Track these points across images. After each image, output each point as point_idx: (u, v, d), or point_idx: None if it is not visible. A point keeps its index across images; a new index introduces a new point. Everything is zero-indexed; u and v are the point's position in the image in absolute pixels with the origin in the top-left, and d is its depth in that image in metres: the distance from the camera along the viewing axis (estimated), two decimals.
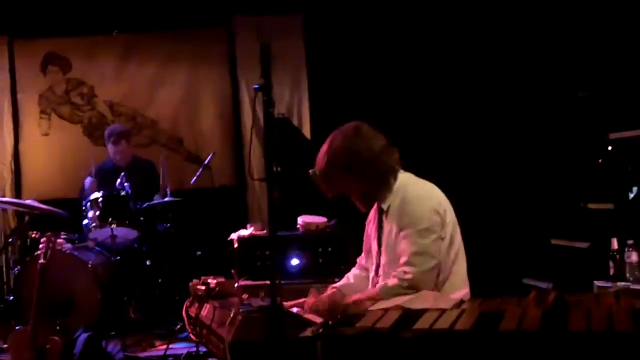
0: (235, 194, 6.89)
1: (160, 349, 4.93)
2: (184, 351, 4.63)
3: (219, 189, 6.48)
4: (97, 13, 6.69)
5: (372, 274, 3.14)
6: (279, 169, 2.75)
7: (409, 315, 2.29)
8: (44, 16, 6.69)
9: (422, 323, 2.19)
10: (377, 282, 3.06)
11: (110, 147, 6.08)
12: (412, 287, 2.82)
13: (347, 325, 2.27)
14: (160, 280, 5.68)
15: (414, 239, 2.90)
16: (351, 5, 6.55)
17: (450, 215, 3.02)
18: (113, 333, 5.19)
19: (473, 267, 3.11)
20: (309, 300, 3.10)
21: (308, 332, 2.31)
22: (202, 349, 4.27)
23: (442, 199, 3.05)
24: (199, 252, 5.92)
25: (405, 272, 2.88)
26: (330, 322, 2.34)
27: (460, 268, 3.03)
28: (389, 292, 2.84)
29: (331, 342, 2.22)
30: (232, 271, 3.03)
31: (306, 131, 6.76)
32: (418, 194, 3.00)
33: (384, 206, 3.04)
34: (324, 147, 3.04)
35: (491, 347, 2.03)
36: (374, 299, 2.79)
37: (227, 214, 6.53)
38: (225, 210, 6.59)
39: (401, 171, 3.08)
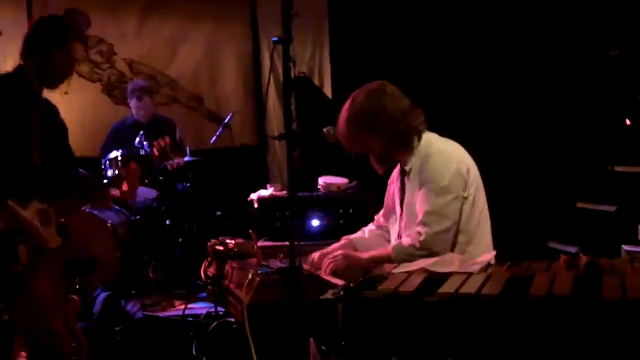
0: (256, 153, 6.84)
1: (179, 308, 4.89)
2: (204, 311, 4.60)
3: (239, 149, 6.41)
4: None
5: (394, 235, 3.06)
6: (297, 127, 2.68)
7: (434, 279, 2.22)
8: None
9: (448, 287, 2.11)
10: None
11: (133, 103, 6.01)
12: (424, 248, 2.75)
13: (369, 288, 2.20)
14: (180, 240, 5.65)
15: (430, 197, 2.82)
16: None
17: (474, 175, 2.92)
18: (133, 292, 5.18)
19: (497, 230, 3.02)
20: (315, 255, 3.03)
21: (329, 295, 2.24)
22: (222, 309, 4.26)
23: (466, 158, 2.95)
24: (218, 212, 5.88)
25: (418, 233, 2.80)
26: (351, 285, 2.27)
27: (484, 230, 2.94)
28: (401, 252, 2.79)
29: (353, 304, 2.16)
30: (250, 232, 2.96)
31: (327, 90, 6.66)
32: (440, 151, 2.91)
33: (407, 167, 2.96)
34: (346, 105, 2.96)
35: (521, 313, 1.95)
36: (387, 259, 2.75)
37: (248, 174, 6.48)
38: (246, 170, 6.54)
39: (426, 131, 2.97)
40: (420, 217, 2.82)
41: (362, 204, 4.64)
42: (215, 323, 4.28)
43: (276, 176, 6.63)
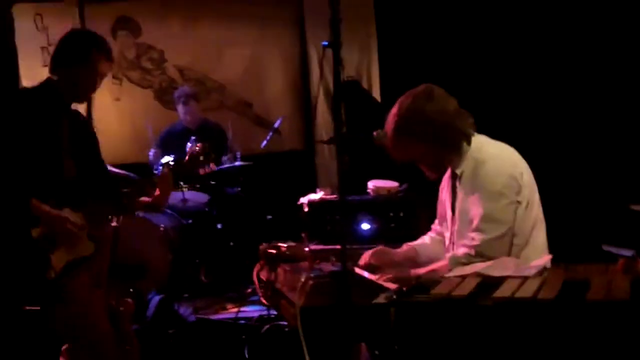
0: (304, 158, 6.86)
1: (231, 311, 4.95)
2: (256, 314, 4.64)
3: (287, 153, 6.45)
4: None
5: (447, 242, 3.03)
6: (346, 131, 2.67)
7: (488, 283, 2.20)
8: None
9: (503, 291, 2.10)
10: (450, 250, 2.95)
11: (180, 108, 6.10)
12: (480, 254, 2.69)
13: (422, 292, 2.19)
14: (231, 244, 5.69)
15: (484, 202, 2.75)
16: None
17: (528, 179, 2.86)
18: (185, 296, 5.24)
19: (551, 233, 2.96)
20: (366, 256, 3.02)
21: (381, 299, 2.25)
22: (274, 312, 4.28)
23: (519, 161, 2.90)
24: (269, 216, 5.91)
25: (473, 239, 2.74)
26: (404, 288, 2.27)
27: (539, 233, 2.88)
28: (458, 262, 2.72)
29: (406, 308, 2.16)
30: (303, 235, 2.97)
31: (376, 94, 6.65)
32: (492, 155, 2.84)
33: (458, 171, 2.90)
34: (394, 110, 2.91)
35: (578, 317, 1.92)
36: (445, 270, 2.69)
37: (296, 178, 6.51)
38: (294, 174, 6.57)
39: (475, 134, 2.94)
40: (474, 223, 2.76)
41: (412, 207, 4.61)
42: (267, 326, 4.31)
43: (324, 180, 6.63)
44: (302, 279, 2.64)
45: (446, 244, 3.03)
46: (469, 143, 2.89)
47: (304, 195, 5.20)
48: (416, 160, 2.97)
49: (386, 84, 6.66)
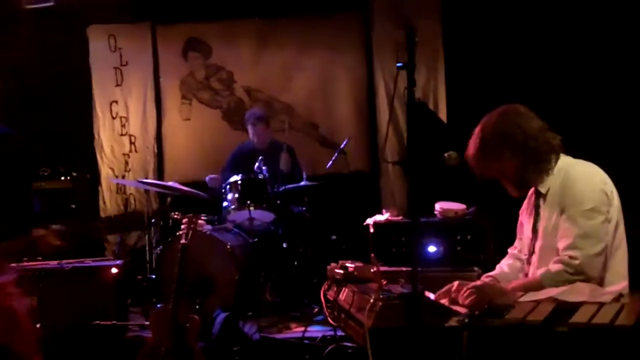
0: (369, 179, 6.86)
1: (295, 331, 4.96)
2: (320, 335, 4.62)
3: (352, 174, 6.46)
4: None
5: (525, 264, 2.98)
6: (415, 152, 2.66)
7: (563, 309, 2.16)
8: (185, 1, 6.90)
9: (579, 317, 2.06)
10: (529, 271, 2.91)
11: (249, 129, 6.18)
12: (578, 272, 2.65)
13: (496, 317, 2.17)
14: (295, 263, 5.72)
15: (579, 220, 2.71)
16: None
17: (616, 198, 2.82)
18: (249, 314, 5.27)
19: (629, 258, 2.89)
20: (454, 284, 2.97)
21: (454, 322, 2.23)
22: (339, 333, 4.27)
23: (607, 179, 2.86)
24: (333, 237, 5.92)
25: (570, 257, 2.69)
26: (476, 313, 2.24)
27: (622, 256, 2.82)
28: (552, 279, 2.68)
29: (478, 333, 2.14)
30: (372, 256, 2.96)
31: (442, 115, 6.62)
32: (583, 173, 2.82)
33: (543, 189, 2.88)
34: (478, 129, 2.91)
35: None
36: (535, 288, 2.65)
37: (361, 199, 6.53)
38: (359, 195, 6.59)
39: (561, 154, 2.90)
40: (568, 241, 2.72)
41: (481, 230, 4.56)
42: (331, 347, 4.29)
43: (389, 202, 6.62)
44: (371, 300, 2.63)
45: (526, 266, 2.98)
46: (556, 161, 2.87)
47: (368, 216, 5.19)
48: (501, 178, 2.96)
49: (453, 106, 6.62)
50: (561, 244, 2.74)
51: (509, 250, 3.21)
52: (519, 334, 2.07)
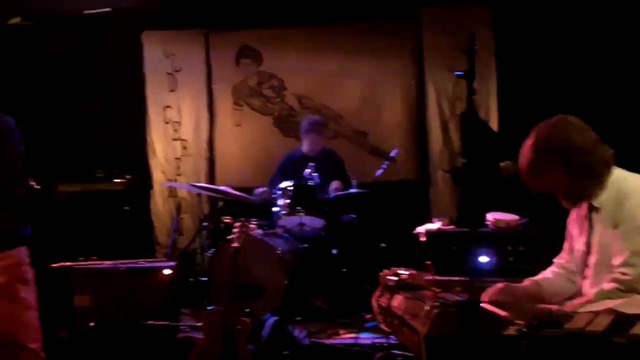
0: (417, 188, 6.86)
1: (344, 337, 4.98)
2: (369, 342, 4.65)
3: (401, 183, 6.47)
4: (288, 5, 6.90)
5: (577, 277, 2.97)
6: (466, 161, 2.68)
7: (622, 320, 2.16)
8: (237, 9, 6.99)
9: (639, 329, 2.05)
10: (583, 286, 2.89)
11: (305, 137, 6.23)
12: (631, 289, 2.63)
13: (554, 327, 2.17)
14: (344, 270, 5.75)
15: (633, 236, 2.69)
16: None
17: None
18: (298, 319, 5.32)
19: None
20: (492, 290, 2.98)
21: (512, 331, 2.24)
22: (389, 340, 4.30)
23: None
24: (382, 244, 5.94)
25: (623, 274, 2.67)
26: (534, 322, 2.25)
27: None
28: (606, 298, 2.64)
29: (537, 342, 2.14)
30: (428, 263, 2.98)
31: (493, 124, 6.59)
32: (636, 186, 2.79)
33: (596, 203, 2.85)
34: (530, 141, 2.90)
35: None
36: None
37: (409, 208, 6.53)
38: (407, 203, 6.59)
39: (614, 167, 2.89)
40: (622, 258, 2.70)
41: (533, 241, 4.53)
42: (380, 354, 4.31)
43: (438, 210, 6.61)
44: (427, 307, 2.66)
45: (578, 279, 2.97)
46: (609, 174, 2.84)
47: (416, 224, 5.20)
48: (554, 190, 2.94)
49: (504, 115, 6.60)
50: (615, 261, 2.72)
51: (555, 260, 3.19)
52: (578, 344, 2.08)
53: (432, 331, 2.57)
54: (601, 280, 2.76)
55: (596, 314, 2.24)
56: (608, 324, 2.12)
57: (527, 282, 3.11)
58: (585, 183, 2.85)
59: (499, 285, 2.97)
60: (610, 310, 2.26)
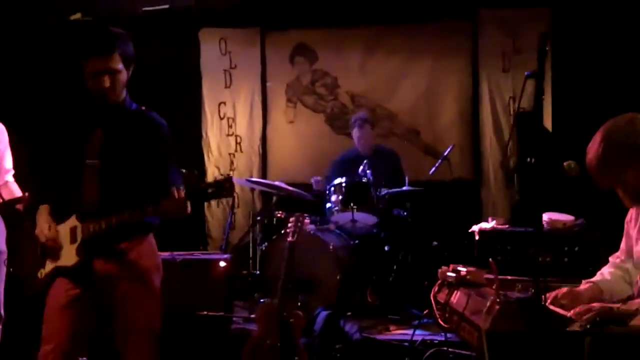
0: (471, 188, 6.86)
1: (394, 333, 5.04)
2: (420, 338, 4.68)
3: (455, 182, 6.48)
4: (344, 5, 6.94)
5: (636, 278, 2.96)
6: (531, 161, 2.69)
7: None
8: (293, 8, 7.06)
9: None
10: None
11: (355, 132, 6.29)
12: None
13: (619, 324, 2.19)
14: (395, 267, 5.78)
15: None
16: None
17: None
18: (349, 314, 5.38)
19: None
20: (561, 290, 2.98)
21: (576, 327, 2.26)
22: (439, 337, 4.33)
23: None
24: (435, 242, 5.96)
25: None
26: (598, 319, 2.27)
27: None
28: None
29: (601, 339, 2.16)
30: (491, 261, 3.00)
31: (547, 125, 6.55)
32: None
33: None
34: (600, 137, 2.87)
35: None
36: None
37: (462, 207, 6.54)
38: (460, 203, 6.60)
39: None
40: None
41: (589, 242, 4.51)
42: (431, 350, 4.34)
43: (490, 210, 6.61)
44: (488, 303, 2.68)
45: (635, 280, 2.97)
46: None
47: (469, 223, 5.21)
48: (619, 188, 2.90)
49: (558, 115, 6.55)
50: None
51: (611, 259, 3.17)
52: None
53: (494, 327, 2.59)
54: None
55: None
56: None
57: (585, 285, 3.09)
58: None
59: (562, 289, 2.97)
60: None
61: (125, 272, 3.22)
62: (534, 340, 2.38)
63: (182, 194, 3.07)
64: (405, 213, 5.98)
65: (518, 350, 2.51)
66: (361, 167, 5.81)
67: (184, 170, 3.52)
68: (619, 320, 2.22)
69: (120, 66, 3.21)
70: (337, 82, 7.22)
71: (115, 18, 7.09)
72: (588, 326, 2.22)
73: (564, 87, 6.52)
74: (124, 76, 3.25)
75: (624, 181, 2.86)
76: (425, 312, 4.90)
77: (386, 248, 5.81)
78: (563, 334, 2.26)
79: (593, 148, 2.88)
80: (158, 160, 3.24)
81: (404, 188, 5.86)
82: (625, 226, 3.11)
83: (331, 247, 5.40)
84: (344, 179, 5.76)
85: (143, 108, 3.39)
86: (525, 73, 2.61)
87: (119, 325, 3.27)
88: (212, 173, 7.28)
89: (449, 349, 4.06)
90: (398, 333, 5.02)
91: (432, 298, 3.42)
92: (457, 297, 3.15)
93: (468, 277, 3.18)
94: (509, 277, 3.27)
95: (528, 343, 2.40)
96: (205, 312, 5.09)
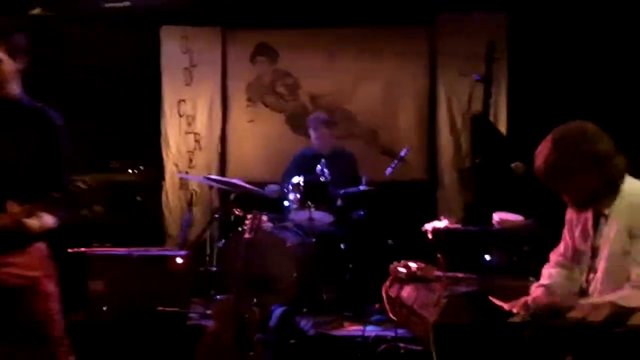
0: (425, 188, 6.98)
1: (348, 329, 5.11)
2: (373, 334, 4.77)
3: (410, 182, 6.58)
4: (306, 6, 6.99)
5: (582, 277, 2.92)
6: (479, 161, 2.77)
7: (621, 312, 2.28)
8: (255, 8, 7.08)
9: (638, 319, 2.18)
10: (588, 288, 2.92)
11: (311, 133, 6.37)
12: None
13: (556, 317, 2.29)
14: (351, 265, 5.86)
15: None
16: (553, 3, 6.44)
17: None
18: (305, 310, 5.44)
19: None
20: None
21: (516, 319, 2.36)
22: (392, 333, 4.42)
23: None
24: (390, 241, 6.05)
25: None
26: (538, 312, 2.37)
27: None
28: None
29: (540, 331, 2.26)
30: (439, 256, 3.11)
31: (502, 128, 6.68)
32: None
33: (607, 211, 2.87)
34: (550, 145, 2.90)
35: None
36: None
37: (418, 207, 6.65)
38: (416, 202, 6.70)
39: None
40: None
41: (538, 241, 4.63)
42: (384, 346, 4.43)
43: (444, 210, 6.72)
44: (436, 297, 2.79)
45: (583, 279, 3.00)
46: (622, 182, 2.88)
47: (424, 223, 5.29)
48: (571, 193, 2.95)
49: (514, 118, 6.68)
50: (634, 269, 2.67)
51: (552, 257, 3.20)
52: (578, 334, 2.20)
53: (440, 319, 2.70)
54: (613, 286, 2.67)
55: (596, 306, 2.36)
56: (607, 314, 2.23)
57: (536, 288, 2.96)
58: (604, 192, 2.87)
59: (523, 299, 2.98)
60: (609, 303, 2.37)
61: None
62: (478, 331, 2.48)
63: (18, 208, 2.92)
64: (361, 212, 6.06)
65: (463, 341, 2.62)
66: (319, 167, 5.88)
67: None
68: (556, 313, 2.32)
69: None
70: (298, 83, 7.28)
71: (76, 13, 7.09)
72: (528, 319, 2.32)
73: (519, 91, 6.67)
74: (8, 66, 3.13)
75: (570, 187, 2.92)
76: (376, 306, 5.02)
77: (342, 246, 5.88)
78: (504, 325, 2.35)
79: (543, 153, 2.91)
80: (42, 160, 3.12)
81: (361, 188, 5.94)
82: (566, 224, 3.14)
83: (288, 245, 5.46)
84: (301, 178, 5.83)
85: (38, 105, 3.23)
86: (474, 77, 2.69)
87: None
88: (170, 170, 7.27)
89: (401, 345, 4.16)
90: (352, 329, 5.09)
91: (383, 292, 3.52)
92: (407, 291, 3.25)
93: (418, 272, 3.30)
94: (458, 274, 3.38)
95: (473, 334, 2.50)
96: (162, 308, 5.12)
